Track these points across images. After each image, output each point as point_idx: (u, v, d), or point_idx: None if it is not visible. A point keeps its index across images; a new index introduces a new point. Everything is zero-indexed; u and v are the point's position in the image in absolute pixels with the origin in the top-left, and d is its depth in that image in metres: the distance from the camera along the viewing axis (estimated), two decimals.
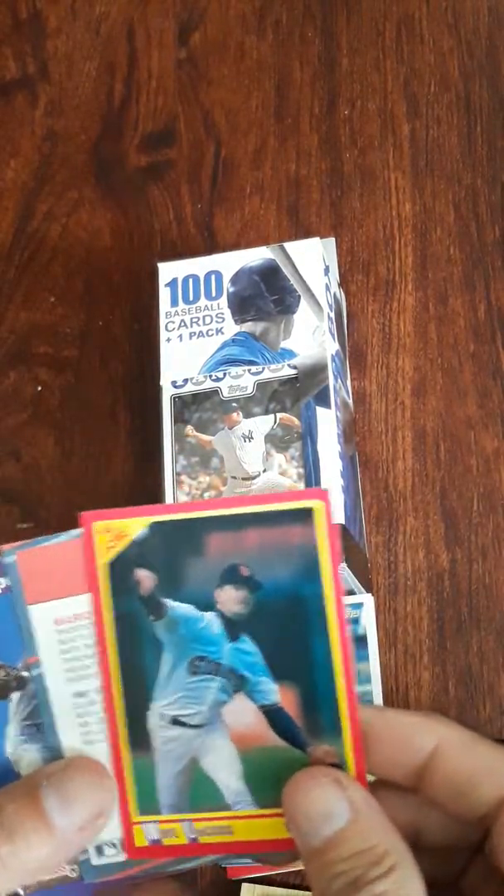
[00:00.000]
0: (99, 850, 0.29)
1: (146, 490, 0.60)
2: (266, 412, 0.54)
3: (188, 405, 0.54)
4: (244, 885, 0.50)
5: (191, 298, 0.57)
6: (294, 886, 0.51)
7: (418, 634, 0.55)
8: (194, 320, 0.56)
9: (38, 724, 0.28)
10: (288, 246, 0.57)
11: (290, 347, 0.55)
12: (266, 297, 0.56)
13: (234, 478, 0.53)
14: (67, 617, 0.28)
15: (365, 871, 0.24)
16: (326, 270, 0.57)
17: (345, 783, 0.26)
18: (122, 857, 0.29)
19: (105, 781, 0.28)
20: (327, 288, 0.56)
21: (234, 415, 0.54)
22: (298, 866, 0.47)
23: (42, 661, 0.28)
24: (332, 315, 0.57)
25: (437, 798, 0.27)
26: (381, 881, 0.24)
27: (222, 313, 0.56)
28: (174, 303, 0.57)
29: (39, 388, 0.65)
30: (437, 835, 0.29)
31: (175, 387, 0.55)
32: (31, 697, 0.28)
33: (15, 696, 0.28)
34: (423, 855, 0.29)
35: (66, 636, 0.28)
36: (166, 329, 0.57)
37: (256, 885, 0.50)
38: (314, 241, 0.57)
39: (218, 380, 0.54)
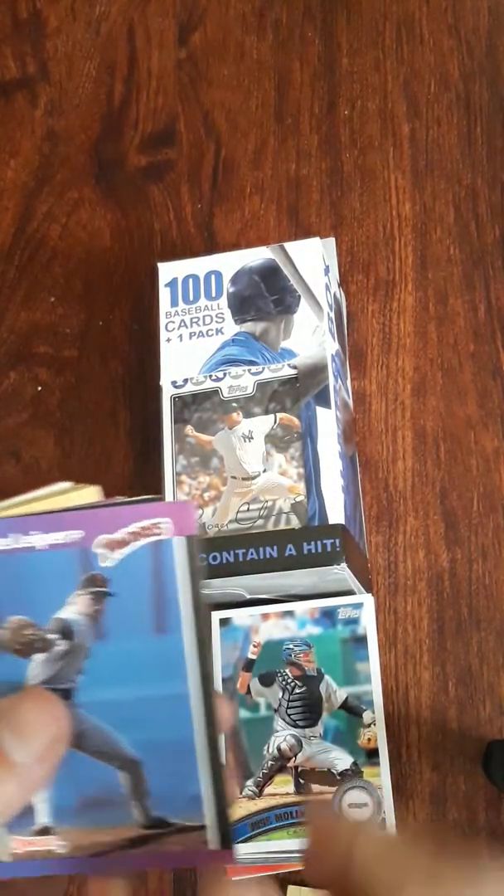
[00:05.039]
0: None
1: (146, 490, 0.60)
2: (266, 412, 0.54)
3: (188, 405, 0.54)
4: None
5: (191, 298, 0.57)
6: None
7: (418, 634, 0.55)
8: (194, 320, 0.56)
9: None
10: (288, 246, 0.57)
11: (290, 347, 0.55)
12: (266, 297, 0.56)
13: (234, 478, 0.53)
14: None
15: None
16: (326, 270, 0.57)
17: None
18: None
19: (55, 708, 0.27)
20: (327, 288, 0.56)
21: (234, 415, 0.54)
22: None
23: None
24: (332, 315, 0.57)
25: None
26: None
27: (222, 313, 0.56)
28: (174, 303, 0.57)
29: (39, 388, 0.65)
30: None
31: (175, 387, 0.55)
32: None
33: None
34: None
35: None
36: (166, 329, 0.57)
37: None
38: (314, 241, 0.57)
39: (218, 380, 0.54)
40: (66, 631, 0.28)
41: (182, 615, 0.28)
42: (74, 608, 0.28)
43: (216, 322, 0.56)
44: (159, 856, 0.28)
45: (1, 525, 0.29)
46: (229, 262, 0.57)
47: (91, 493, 0.31)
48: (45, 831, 0.29)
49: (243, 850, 0.47)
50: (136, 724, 0.28)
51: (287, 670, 0.50)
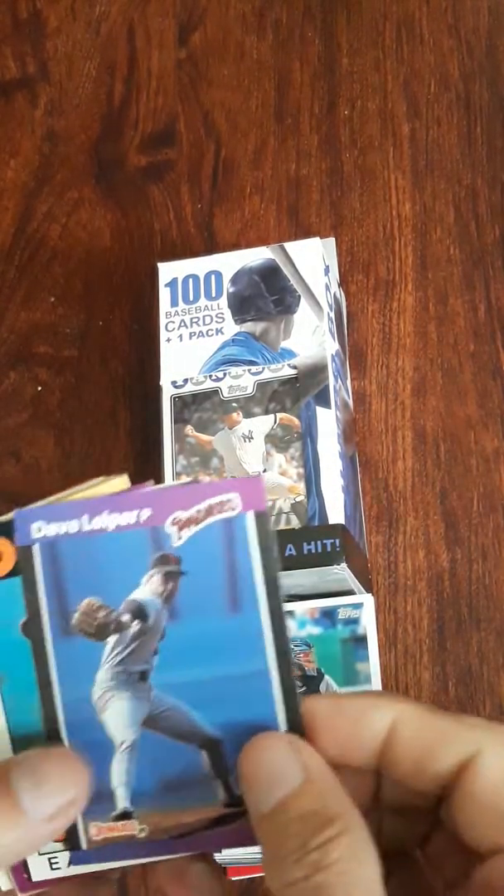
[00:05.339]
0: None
1: None
2: (266, 412, 0.54)
3: (188, 405, 0.54)
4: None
5: (191, 298, 0.57)
6: None
7: (418, 634, 0.55)
8: (194, 320, 0.56)
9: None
10: (288, 246, 0.57)
11: (290, 347, 0.55)
12: (266, 297, 0.56)
13: (234, 478, 0.53)
14: None
15: (315, 834, 0.24)
16: (326, 270, 0.57)
17: (298, 746, 0.26)
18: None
19: (79, 773, 0.27)
20: (327, 288, 0.56)
21: (234, 415, 0.54)
22: None
23: None
24: (332, 315, 0.57)
25: (399, 775, 0.27)
26: (331, 844, 0.24)
27: (222, 313, 0.56)
28: (174, 303, 0.57)
29: (39, 388, 0.65)
30: (397, 797, 0.29)
31: (175, 387, 0.55)
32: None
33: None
34: (386, 818, 0.29)
35: None
36: (166, 329, 0.57)
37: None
38: (314, 241, 0.57)
39: (218, 380, 0.54)
40: (139, 612, 0.28)
41: (257, 592, 0.27)
42: (147, 589, 0.28)
43: (216, 322, 0.56)
44: (243, 834, 0.28)
45: (70, 508, 0.28)
46: (229, 262, 0.57)
47: (120, 483, 0.30)
48: (124, 816, 0.28)
49: (245, 848, 0.47)
50: (214, 703, 0.28)
51: None
